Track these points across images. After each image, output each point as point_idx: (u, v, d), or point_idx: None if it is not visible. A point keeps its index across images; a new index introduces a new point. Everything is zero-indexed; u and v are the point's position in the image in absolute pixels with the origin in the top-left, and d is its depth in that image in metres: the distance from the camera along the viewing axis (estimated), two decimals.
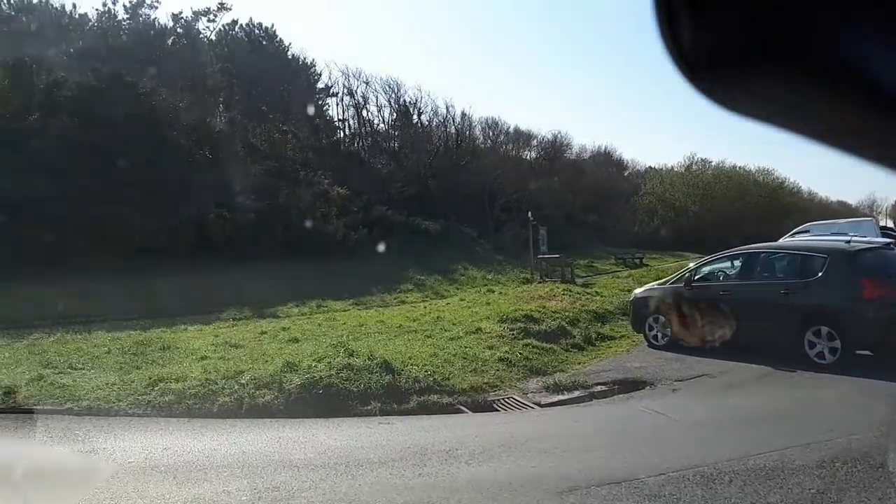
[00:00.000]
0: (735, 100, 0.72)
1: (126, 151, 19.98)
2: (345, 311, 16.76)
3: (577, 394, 7.64)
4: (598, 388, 7.91)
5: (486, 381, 8.03)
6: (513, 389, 7.92)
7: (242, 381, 7.63)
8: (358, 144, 37.63)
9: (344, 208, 25.02)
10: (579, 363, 9.56)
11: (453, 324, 12.47)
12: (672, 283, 10.61)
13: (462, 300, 17.05)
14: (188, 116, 23.99)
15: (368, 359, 8.17)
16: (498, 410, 7.08)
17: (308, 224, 22.56)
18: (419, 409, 7.07)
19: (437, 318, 13.50)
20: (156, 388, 7.54)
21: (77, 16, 47.30)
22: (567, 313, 12.80)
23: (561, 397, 7.52)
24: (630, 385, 8.10)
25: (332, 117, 41.18)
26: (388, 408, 7.06)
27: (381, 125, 41.46)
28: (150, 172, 20.09)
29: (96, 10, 48.06)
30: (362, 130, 40.48)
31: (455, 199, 33.59)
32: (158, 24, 47.75)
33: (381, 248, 22.96)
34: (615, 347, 10.89)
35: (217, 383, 7.63)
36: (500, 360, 9.03)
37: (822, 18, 0.63)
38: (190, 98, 26.70)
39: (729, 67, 0.68)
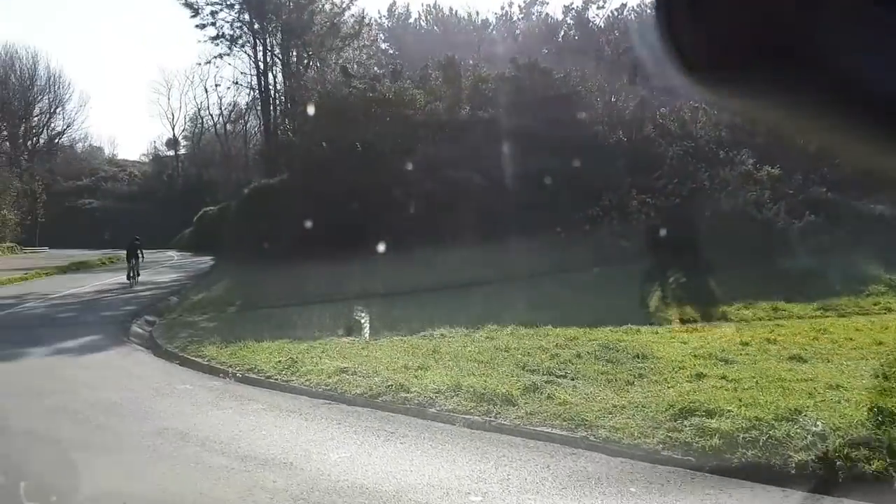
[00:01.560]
0: (734, 98, 0.77)
1: (544, 138, 19.54)
2: (813, 317, 13.36)
3: None
4: None
5: None
6: None
7: (814, 429, 5.26)
8: None
9: (777, 191, 21.04)
10: None
11: None
12: None
13: None
14: (598, 100, 22.83)
15: None
16: None
17: (738, 209, 19.35)
18: None
19: None
20: (687, 424, 5.65)
21: (479, 22, 51.19)
22: None
23: None
24: None
25: None
26: None
27: None
28: (568, 158, 19.27)
29: (495, 14, 51.48)
30: None
31: None
32: (551, 18, 49.09)
33: (813, 238, 18.61)
34: None
35: (775, 427, 5.40)
36: None
37: (819, 22, 0.65)
38: (595, 82, 25.69)
39: (727, 68, 0.71)
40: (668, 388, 7.05)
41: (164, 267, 25.86)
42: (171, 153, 61.91)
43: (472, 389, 6.87)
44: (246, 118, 54.24)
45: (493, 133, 19.76)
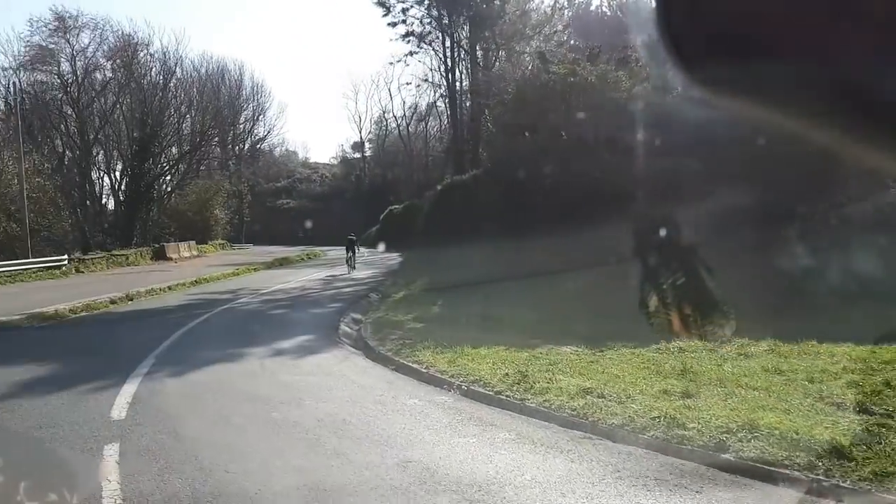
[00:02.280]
0: (734, 97, 0.79)
1: (773, 120, 16.95)
2: None
3: None
4: None
5: None
6: None
7: None
8: None
9: None
10: None
11: None
12: None
13: None
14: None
15: None
16: None
17: None
18: None
19: None
20: None
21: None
22: None
23: None
24: None
25: None
26: None
27: None
28: (800, 144, 16.53)
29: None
30: None
31: None
32: None
33: None
34: None
35: None
36: None
37: (819, 21, 0.65)
38: None
39: (727, 67, 0.73)
40: None
41: (358, 263, 26.43)
42: (358, 155, 64.82)
43: (774, 431, 5.29)
44: (427, 118, 55.14)
45: (708, 116, 17.52)
